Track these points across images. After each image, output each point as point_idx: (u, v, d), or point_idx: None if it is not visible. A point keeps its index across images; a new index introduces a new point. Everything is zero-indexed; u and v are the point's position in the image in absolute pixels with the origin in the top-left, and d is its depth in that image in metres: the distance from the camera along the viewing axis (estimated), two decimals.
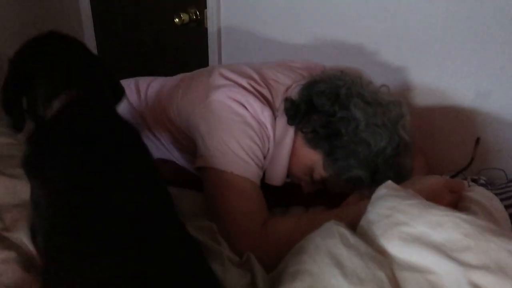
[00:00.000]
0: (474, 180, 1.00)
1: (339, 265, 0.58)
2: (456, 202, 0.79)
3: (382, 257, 0.59)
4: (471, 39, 1.03)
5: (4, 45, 1.51)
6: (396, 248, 0.59)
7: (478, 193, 0.80)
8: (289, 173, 1.00)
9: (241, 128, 0.88)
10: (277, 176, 0.95)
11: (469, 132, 1.10)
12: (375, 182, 0.84)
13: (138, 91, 1.15)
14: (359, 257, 0.59)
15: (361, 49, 1.21)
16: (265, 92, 0.95)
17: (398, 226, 0.61)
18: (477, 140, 0.91)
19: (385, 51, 1.18)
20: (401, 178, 0.87)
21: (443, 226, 0.57)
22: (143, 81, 1.18)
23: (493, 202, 0.79)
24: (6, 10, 1.73)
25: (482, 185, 0.97)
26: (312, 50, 1.31)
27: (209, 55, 1.54)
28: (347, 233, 0.64)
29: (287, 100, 0.95)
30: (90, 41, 1.98)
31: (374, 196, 0.72)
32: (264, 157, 0.92)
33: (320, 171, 0.93)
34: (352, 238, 0.63)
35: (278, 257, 0.72)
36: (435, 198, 0.72)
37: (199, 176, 1.02)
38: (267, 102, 0.93)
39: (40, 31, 0.77)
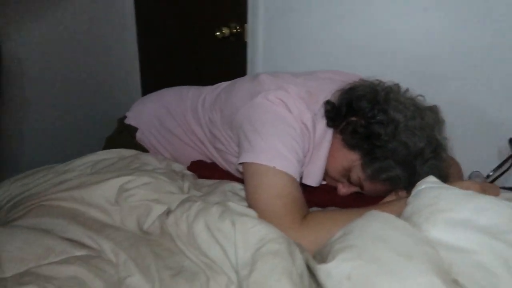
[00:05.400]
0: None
1: (386, 241, 0.59)
2: None
3: (428, 239, 0.60)
4: None
5: None
6: (441, 232, 0.60)
7: None
8: (325, 175, 1.03)
9: (283, 128, 0.91)
10: (315, 177, 0.98)
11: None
12: (412, 184, 0.86)
13: (181, 96, 1.22)
14: (406, 237, 0.59)
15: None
16: (306, 97, 0.98)
17: (442, 212, 0.62)
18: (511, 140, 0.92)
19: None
20: None
21: (488, 211, 0.59)
22: (187, 88, 1.26)
23: None
24: None
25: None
26: (352, 62, 1.35)
27: (248, 68, 1.61)
28: (392, 217, 0.65)
29: (328, 103, 0.99)
30: (133, 54, 2.06)
31: (414, 190, 0.73)
32: (304, 157, 0.95)
33: (358, 172, 0.95)
34: (398, 222, 0.64)
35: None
36: None
37: (236, 175, 1.06)
38: (307, 106, 0.97)
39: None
